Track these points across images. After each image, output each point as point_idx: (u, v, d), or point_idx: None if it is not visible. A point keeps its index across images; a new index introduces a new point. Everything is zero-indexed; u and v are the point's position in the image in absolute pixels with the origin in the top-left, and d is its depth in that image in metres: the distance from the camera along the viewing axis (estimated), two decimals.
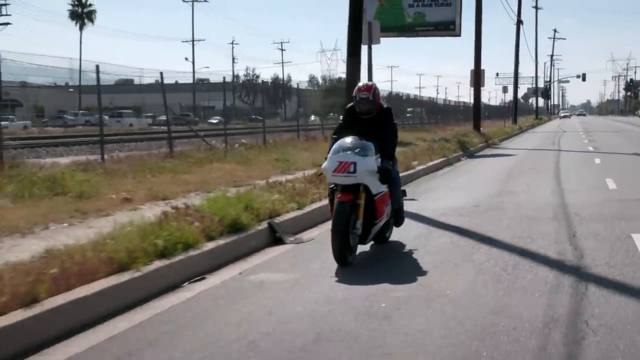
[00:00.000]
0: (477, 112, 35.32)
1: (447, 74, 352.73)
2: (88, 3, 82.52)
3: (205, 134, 22.43)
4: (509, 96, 67.94)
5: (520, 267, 6.57)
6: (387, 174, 7.09)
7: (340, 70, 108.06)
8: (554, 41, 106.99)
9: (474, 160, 22.28)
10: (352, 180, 6.82)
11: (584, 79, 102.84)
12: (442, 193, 13.21)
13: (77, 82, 65.02)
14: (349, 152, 6.93)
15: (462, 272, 6.48)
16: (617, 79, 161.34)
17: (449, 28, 28.44)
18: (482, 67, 33.34)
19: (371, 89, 7.39)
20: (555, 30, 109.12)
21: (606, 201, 11.14)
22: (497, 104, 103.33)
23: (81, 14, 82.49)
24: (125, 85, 75.76)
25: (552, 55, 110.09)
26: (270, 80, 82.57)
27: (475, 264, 6.78)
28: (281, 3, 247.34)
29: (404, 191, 8.25)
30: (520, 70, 62.85)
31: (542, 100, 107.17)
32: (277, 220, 8.64)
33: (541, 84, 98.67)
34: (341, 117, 8.07)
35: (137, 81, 78.08)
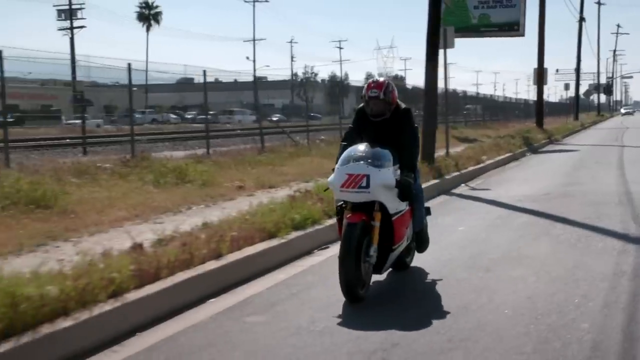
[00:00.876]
0: (540, 109, 36.29)
1: (504, 70, 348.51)
2: (154, 5, 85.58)
3: (289, 131, 24.10)
4: (570, 93, 67.95)
5: (592, 238, 7.94)
6: (408, 189, 5.80)
7: (397, 68, 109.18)
8: (617, 36, 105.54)
9: (538, 155, 23.34)
10: (364, 197, 5.62)
11: None
12: (513, 184, 14.46)
13: (136, 82, 67.28)
14: (360, 162, 5.73)
15: (543, 242, 7.89)
16: None
17: (513, 28, 29.46)
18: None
19: (382, 86, 6.12)
20: (618, 25, 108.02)
21: None
22: (557, 100, 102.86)
23: (148, 16, 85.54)
24: (187, 84, 78.41)
25: (614, 51, 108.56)
26: (327, 79, 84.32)
27: (553, 236, 8.18)
28: (338, 2, 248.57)
29: (428, 209, 6.92)
30: (581, 66, 62.87)
31: (604, 96, 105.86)
32: None
33: (603, 80, 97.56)
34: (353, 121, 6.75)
35: (196, 80, 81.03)
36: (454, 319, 5.03)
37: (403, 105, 6.28)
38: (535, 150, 24.75)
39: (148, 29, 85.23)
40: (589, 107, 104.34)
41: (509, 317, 5.03)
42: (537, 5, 32.37)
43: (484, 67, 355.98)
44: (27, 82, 58.60)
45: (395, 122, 6.17)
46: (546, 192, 12.40)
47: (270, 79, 77.03)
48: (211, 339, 4.81)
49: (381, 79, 6.31)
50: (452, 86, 32.04)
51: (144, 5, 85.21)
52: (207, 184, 11.48)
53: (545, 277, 6.17)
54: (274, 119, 68.17)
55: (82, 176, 10.73)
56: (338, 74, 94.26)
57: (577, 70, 62.50)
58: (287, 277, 6.64)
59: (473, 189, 13.60)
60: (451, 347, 4.45)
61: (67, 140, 19.34)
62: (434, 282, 6.25)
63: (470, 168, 16.01)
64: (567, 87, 65.91)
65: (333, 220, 8.69)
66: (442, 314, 5.18)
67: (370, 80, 6.28)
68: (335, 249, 6.81)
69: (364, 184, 5.61)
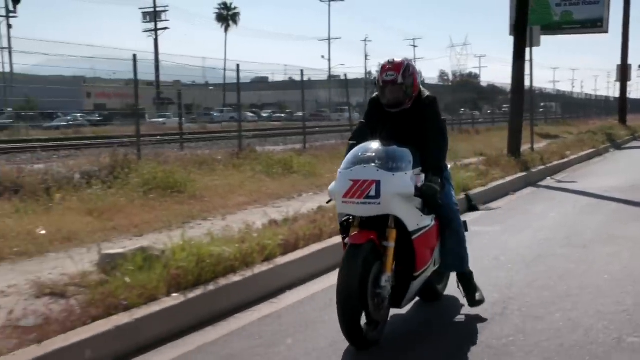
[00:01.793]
0: (623, 105, 36.08)
1: (583, 67, 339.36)
2: (233, 6, 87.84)
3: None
4: None
5: None
6: (433, 199, 4.53)
7: (470, 65, 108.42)
8: None
9: (622, 151, 23.53)
10: (373, 210, 4.36)
11: None
12: (598, 177, 14.96)
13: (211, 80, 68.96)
14: (370, 164, 4.49)
15: (633, 226, 8.59)
16: None
17: (597, 25, 29.43)
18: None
19: (400, 67, 4.80)
20: None
21: None
22: (639, 97, 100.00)
23: (226, 17, 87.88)
24: (262, 83, 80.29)
25: None
26: None
27: None
28: (413, 0, 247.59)
29: (465, 223, 5.28)
30: None
31: None
32: (470, 193, 10.94)
33: None
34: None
35: (270, 79, 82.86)
36: (559, 281, 5.86)
37: (427, 93, 4.97)
38: (618, 147, 24.89)
39: (226, 30, 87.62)
40: None
41: (608, 280, 5.85)
42: (621, 1, 32.29)
43: (561, 64, 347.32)
44: (113, 82, 61.46)
45: (417, 114, 4.85)
46: (632, 185, 12.90)
47: (344, 77, 77.78)
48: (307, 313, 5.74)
49: (399, 59, 4.88)
50: (529, 83, 32.11)
51: (222, 6, 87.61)
52: (310, 174, 12.49)
53: (638, 254, 6.89)
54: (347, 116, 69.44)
55: (202, 167, 11.93)
56: None
57: None
58: None
59: (559, 181, 14.18)
60: (560, 301, 5.29)
61: (177, 137, 20.97)
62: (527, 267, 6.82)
63: (555, 162, 16.56)
64: None
65: None
66: (546, 279, 5.98)
67: (385, 61, 4.90)
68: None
69: (372, 193, 4.32)
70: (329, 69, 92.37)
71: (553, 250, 7.22)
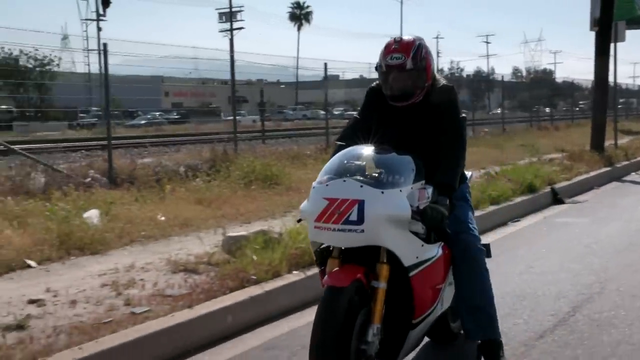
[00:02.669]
0: None
1: None
2: (305, 5, 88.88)
3: None
4: None
5: None
6: (437, 224, 3.42)
7: (545, 62, 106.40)
8: None
9: None
10: (355, 240, 3.27)
11: None
12: None
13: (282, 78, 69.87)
14: (355, 177, 3.39)
15: None
16: None
17: None
18: None
19: (410, 47, 3.66)
20: None
21: None
22: None
23: (299, 16, 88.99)
24: (334, 81, 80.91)
25: None
26: (472, 73, 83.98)
27: None
28: None
29: (488, 247, 4.01)
30: None
31: None
32: (555, 186, 11.18)
33: None
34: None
35: (341, 76, 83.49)
36: None
37: (443, 81, 3.81)
38: None
39: (299, 28, 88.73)
40: None
41: None
42: None
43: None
44: (189, 81, 63.20)
45: (430, 110, 3.72)
46: None
47: None
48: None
49: (408, 37, 3.74)
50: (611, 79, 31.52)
51: (295, 5, 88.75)
52: None
53: None
54: None
55: (294, 161, 12.56)
56: (484, 68, 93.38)
57: None
58: (492, 240, 7.90)
59: None
60: None
61: (259, 133, 21.91)
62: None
63: None
64: None
65: (523, 197, 9.95)
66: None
67: (391, 39, 3.76)
68: (527, 222, 8.05)
69: (353, 217, 3.21)
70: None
71: None
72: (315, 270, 5.32)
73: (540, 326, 4.64)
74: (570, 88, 43.35)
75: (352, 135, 3.79)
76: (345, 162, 3.51)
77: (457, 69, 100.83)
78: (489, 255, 3.97)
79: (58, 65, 44.40)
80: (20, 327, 4.17)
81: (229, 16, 69.53)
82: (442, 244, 3.67)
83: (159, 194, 9.05)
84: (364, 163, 3.48)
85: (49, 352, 3.73)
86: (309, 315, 5.13)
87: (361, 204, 3.22)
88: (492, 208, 8.97)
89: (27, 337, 3.99)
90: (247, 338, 4.65)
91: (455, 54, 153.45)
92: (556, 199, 10.83)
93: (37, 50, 40.06)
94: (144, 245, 6.76)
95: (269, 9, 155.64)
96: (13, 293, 4.98)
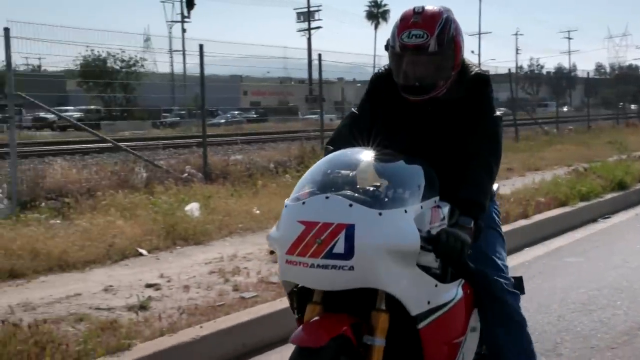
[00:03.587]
0: None
1: None
2: (383, 3, 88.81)
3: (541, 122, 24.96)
4: None
5: None
6: (457, 253, 2.43)
7: (630, 57, 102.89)
8: None
9: None
10: (342, 280, 2.33)
11: None
12: None
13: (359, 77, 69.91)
14: (344, 191, 2.48)
15: None
16: None
17: None
18: None
19: (436, 21, 2.67)
20: None
21: None
22: None
23: (376, 14, 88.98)
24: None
25: None
26: (553, 70, 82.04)
27: None
28: None
29: (520, 281, 3.08)
30: None
31: None
32: None
33: None
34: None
35: None
36: None
37: (475, 69, 2.85)
38: None
39: (376, 27, 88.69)
40: None
41: None
42: None
43: None
44: (266, 80, 64.19)
45: (457, 107, 2.79)
46: None
47: (492, 72, 76.37)
48: (541, 270, 6.27)
49: (432, 7, 2.74)
50: None
51: (373, 4, 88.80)
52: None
53: None
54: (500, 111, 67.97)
55: None
56: (565, 65, 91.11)
57: None
58: (582, 236, 7.93)
59: None
60: None
61: None
62: None
63: None
64: None
65: (614, 194, 9.87)
66: None
67: (409, 9, 2.75)
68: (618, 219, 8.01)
69: (340, 248, 2.31)
70: (479, 64, 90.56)
71: None
72: None
73: None
74: None
75: (348, 136, 2.84)
76: (329, 171, 2.58)
77: (537, 65, 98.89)
78: (522, 291, 3.00)
79: (142, 66, 45.97)
80: (143, 307, 4.53)
81: (307, 16, 70.27)
82: (463, 281, 2.71)
83: (252, 188, 9.42)
84: (356, 173, 2.56)
85: (174, 329, 4.06)
86: None
87: (350, 229, 2.30)
88: (581, 204, 8.94)
89: (150, 316, 4.34)
90: None
91: (535, 51, 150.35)
92: None
93: (123, 51, 41.55)
94: (243, 236, 7.10)
95: (346, 8, 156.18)
96: (131, 278, 5.38)
